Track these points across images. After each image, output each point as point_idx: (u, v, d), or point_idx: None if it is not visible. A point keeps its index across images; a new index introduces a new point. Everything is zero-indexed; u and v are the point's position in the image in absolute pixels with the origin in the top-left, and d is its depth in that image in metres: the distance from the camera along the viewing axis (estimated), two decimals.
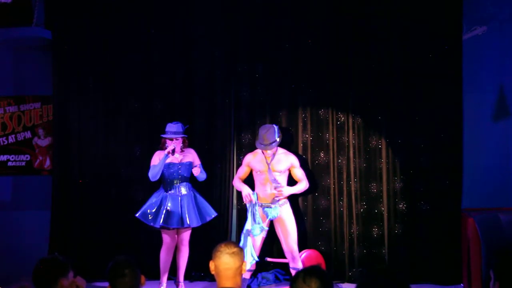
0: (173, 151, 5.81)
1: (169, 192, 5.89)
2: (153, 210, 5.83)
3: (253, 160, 5.77)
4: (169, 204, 5.82)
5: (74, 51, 6.76)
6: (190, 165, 5.97)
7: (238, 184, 5.89)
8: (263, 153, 5.69)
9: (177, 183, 5.90)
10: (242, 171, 5.91)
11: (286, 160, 5.74)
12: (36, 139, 7.08)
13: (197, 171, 5.90)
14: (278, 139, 5.62)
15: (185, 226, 5.83)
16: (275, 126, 5.68)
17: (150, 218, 5.81)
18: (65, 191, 6.73)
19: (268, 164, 5.66)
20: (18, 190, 7.14)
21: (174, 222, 5.79)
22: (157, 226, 5.81)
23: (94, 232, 6.63)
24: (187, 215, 5.81)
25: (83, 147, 6.75)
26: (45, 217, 6.77)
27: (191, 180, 6.03)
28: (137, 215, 5.89)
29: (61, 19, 6.78)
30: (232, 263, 3.04)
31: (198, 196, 6.00)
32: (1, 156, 7.11)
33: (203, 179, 6.06)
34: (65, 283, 3.12)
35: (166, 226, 5.79)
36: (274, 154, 5.69)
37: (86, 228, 6.67)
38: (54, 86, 6.79)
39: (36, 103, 7.08)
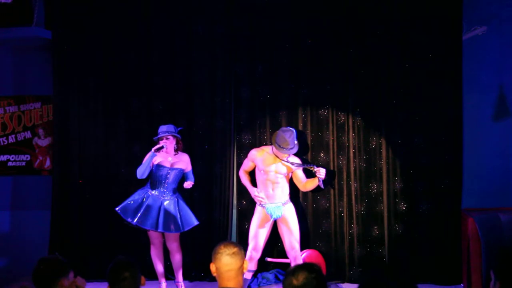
0: (159, 149, 5.77)
1: (153, 192, 5.85)
2: (133, 207, 5.77)
3: (258, 157, 5.76)
4: (148, 204, 5.76)
5: (74, 51, 6.76)
6: (181, 172, 5.92)
7: (245, 180, 5.92)
8: (275, 154, 5.68)
9: (162, 186, 5.84)
10: (247, 165, 5.89)
11: (289, 167, 5.77)
12: (36, 139, 7.08)
13: (189, 185, 5.90)
14: (296, 143, 5.64)
15: (159, 230, 5.73)
16: (294, 130, 5.68)
17: (128, 213, 5.75)
18: (65, 191, 6.73)
19: (288, 162, 5.67)
20: (18, 190, 7.14)
21: (149, 223, 5.70)
22: (133, 223, 5.74)
23: (94, 232, 6.63)
24: (163, 220, 5.71)
25: (83, 147, 6.75)
26: (45, 217, 6.77)
27: (180, 185, 5.97)
28: (116, 208, 5.83)
29: (61, 19, 6.78)
30: (234, 263, 3.01)
31: (181, 202, 5.91)
32: (1, 156, 7.12)
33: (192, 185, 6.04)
34: (66, 283, 3.13)
35: (140, 226, 5.75)
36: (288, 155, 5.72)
37: (86, 228, 6.67)
38: (54, 86, 6.79)
39: (36, 103, 7.08)
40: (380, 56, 6.39)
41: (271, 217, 5.67)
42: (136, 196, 5.86)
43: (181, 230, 5.80)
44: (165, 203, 5.80)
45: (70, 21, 6.77)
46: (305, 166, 5.78)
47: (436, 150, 6.31)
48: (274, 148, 5.67)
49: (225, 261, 3.00)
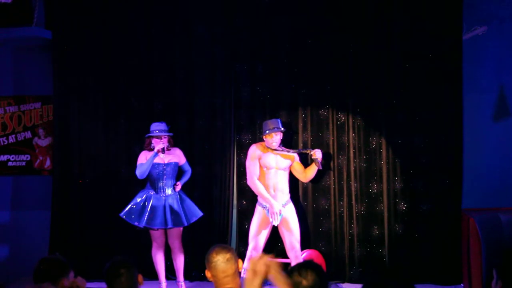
0: (163, 150, 5.82)
1: (154, 192, 5.89)
2: (137, 210, 5.83)
3: (261, 152, 5.78)
4: (152, 204, 5.81)
5: (74, 51, 6.75)
6: (176, 165, 5.98)
7: (263, 191, 5.69)
8: (268, 147, 5.79)
9: (162, 183, 5.90)
10: (256, 167, 5.77)
11: (288, 157, 5.81)
12: (36, 139, 7.07)
13: (178, 188, 5.95)
14: (282, 128, 5.81)
15: (169, 227, 5.80)
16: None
17: (133, 217, 5.81)
18: (65, 191, 6.73)
19: (283, 150, 5.79)
20: (18, 190, 7.13)
21: (158, 223, 5.76)
22: (141, 225, 5.80)
23: (94, 232, 6.63)
24: (170, 216, 5.79)
25: (83, 147, 6.74)
26: (45, 217, 6.77)
27: (177, 180, 6.03)
28: (121, 214, 5.89)
29: (61, 19, 6.78)
30: (229, 269, 2.97)
31: (183, 196, 5.98)
32: (1, 156, 7.11)
33: (189, 177, 6.09)
34: (66, 283, 3.12)
35: (149, 226, 5.80)
36: (280, 145, 5.83)
37: (86, 228, 6.67)
38: (54, 86, 6.79)
39: (36, 103, 7.07)
40: (380, 56, 6.39)
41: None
42: (138, 199, 5.90)
43: (187, 223, 5.88)
44: (169, 199, 5.85)
45: (70, 21, 6.76)
46: (301, 151, 5.91)
47: (436, 150, 6.31)
48: (266, 142, 5.78)
49: (221, 268, 2.97)
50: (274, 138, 5.74)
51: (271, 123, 5.80)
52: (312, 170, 5.80)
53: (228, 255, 2.99)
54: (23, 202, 7.10)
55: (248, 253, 5.66)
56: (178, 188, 5.96)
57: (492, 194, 6.40)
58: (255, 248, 5.68)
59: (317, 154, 5.70)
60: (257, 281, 2.37)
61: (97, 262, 6.36)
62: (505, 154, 6.58)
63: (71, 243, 6.64)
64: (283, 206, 5.71)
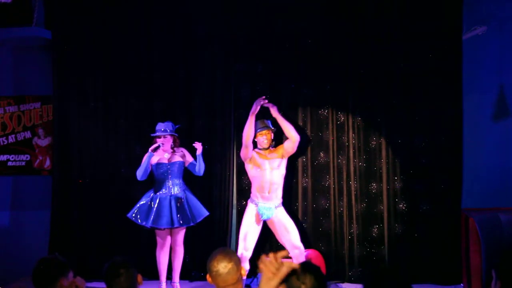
0: (156, 149, 5.80)
1: (160, 192, 5.89)
2: (144, 210, 5.84)
3: (256, 155, 5.79)
4: (159, 204, 5.81)
5: (74, 51, 6.76)
6: (181, 164, 5.98)
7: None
8: (258, 150, 5.82)
9: (167, 183, 5.90)
10: (250, 149, 5.79)
11: (277, 150, 5.82)
12: (36, 139, 7.07)
13: (199, 148, 5.92)
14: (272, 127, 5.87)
15: (175, 226, 5.81)
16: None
17: (140, 218, 5.82)
18: (65, 191, 6.73)
19: (270, 147, 5.83)
20: (18, 190, 7.14)
21: (164, 222, 5.78)
22: (148, 226, 5.82)
23: (94, 232, 6.63)
24: (177, 216, 5.80)
25: (83, 147, 6.75)
26: (45, 217, 6.77)
27: (185, 178, 6.04)
28: (128, 215, 5.90)
29: (61, 19, 6.78)
30: (231, 279, 2.83)
31: (190, 195, 5.98)
32: (1, 156, 7.11)
33: (202, 172, 6.04)
34: (65, 283, 3.12)
35: (155, 226, 5.80)
36: (270, 145, 5.85)
37: (86, 228, 6.67)
38: (54, 86, 6.80)
39: (36, 103, 7.07)
40: (380, 56, 6.39)
41: (261, 217, 5.68)
42: (144, 200, 5.92)
43: (193, 222, 5.89)
44: (175, 199, 5.86)
45: (70, 21, 6.77)
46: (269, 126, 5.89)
47: (436, 150, 6.31)
48: (257, 141, 5.83)
49: (221, 278, 2.83)
50: (266, 136, 5.76)
51: (260, 122, 5.83)
52: (284, 126, 5.77)
53: (230, 265, 2.81)
54: (23, 202, 7.11)
55: (239, 252, 5.62)
56: (199, 148, 5.90)
57: (492, 194, 6.39)
58: (245, 248, 5.65)
59: (271, 106, 5.77)
60: (275, 282, 2.33)
61: (96, 262, 6.36)
62: (505, 154, 6.58)
63: (71, 243, 6.64)
64: (275, 207, 5.71)
